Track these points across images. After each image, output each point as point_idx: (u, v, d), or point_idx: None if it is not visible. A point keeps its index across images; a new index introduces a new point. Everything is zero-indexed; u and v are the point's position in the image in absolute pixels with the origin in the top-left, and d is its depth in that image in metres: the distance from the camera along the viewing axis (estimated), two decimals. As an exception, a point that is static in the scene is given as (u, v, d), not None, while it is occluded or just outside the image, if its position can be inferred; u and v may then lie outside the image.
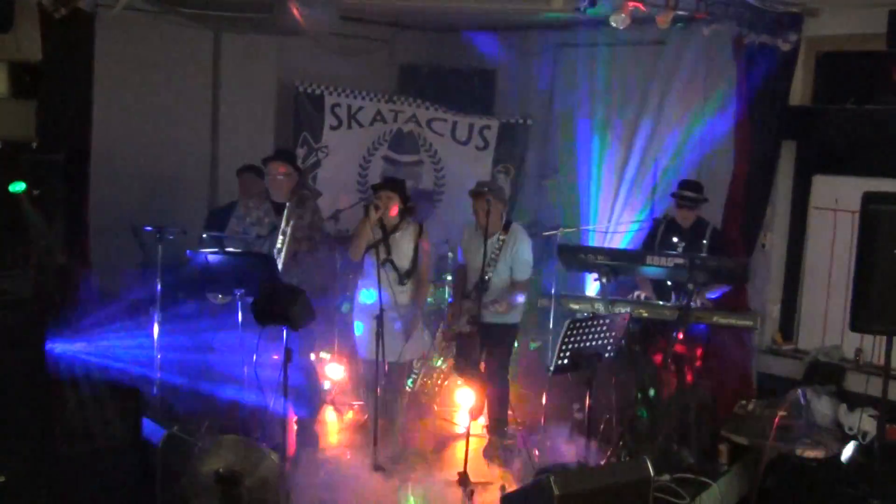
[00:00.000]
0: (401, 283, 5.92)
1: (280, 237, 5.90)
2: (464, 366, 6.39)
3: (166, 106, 7.53)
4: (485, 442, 6.27)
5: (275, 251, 5.89)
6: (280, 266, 5.82)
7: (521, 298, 6.15)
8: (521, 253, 6.11)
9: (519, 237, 6.15)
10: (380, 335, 5.59)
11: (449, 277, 7.09)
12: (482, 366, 6.15)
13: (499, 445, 6.19)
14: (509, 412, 6.35)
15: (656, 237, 6.49)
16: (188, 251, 5.82)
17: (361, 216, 6.03)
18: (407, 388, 6.59)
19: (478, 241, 6.12)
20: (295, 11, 6.16)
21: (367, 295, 6.05)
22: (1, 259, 4.74)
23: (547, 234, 7.00)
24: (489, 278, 6.07)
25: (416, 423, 6.51)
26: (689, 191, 6.37)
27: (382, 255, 5.83)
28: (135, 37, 7.12)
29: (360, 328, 6.13)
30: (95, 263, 6.35)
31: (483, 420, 6.43)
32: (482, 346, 6.09)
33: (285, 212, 5.93)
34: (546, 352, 6.80)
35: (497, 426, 6.25)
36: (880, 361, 5.61)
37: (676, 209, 6.42)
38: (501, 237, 6.08)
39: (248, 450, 4.76)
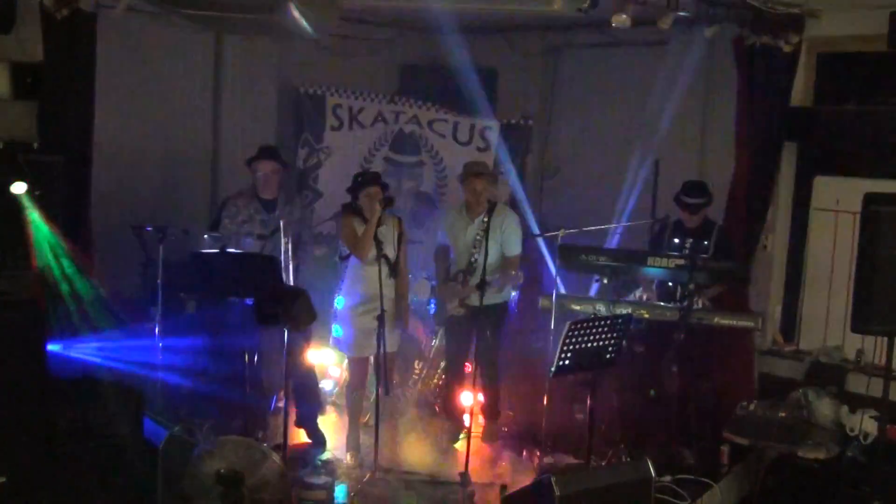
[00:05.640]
0: (391, 276, 5.90)
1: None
2: (454, 357, 6.41)
3: (168, 107, 7.52)
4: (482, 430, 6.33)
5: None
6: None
7: (518, 279, 6.16)
8: (509, 229, 6.11)
9: (505, 214, 6.16)
10: (380, 336, 5.58)
11: None
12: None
13: (496, 429, 6.28)
14: (509, 412, 6.35)
15: (664, 238, 6.45)
16: (190, 251, 5.82)
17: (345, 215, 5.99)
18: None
19: (463, 224, 6.13)
20: (295, 13, 6.15)
21: (339, 301, 6.08)
22: (1, 259, 4.74)
23: (548, 234, 6.98)
24: (476, 260, 6.07)
25: (417, 422, 6.51)
26: (694, 193, 6.27)
27: (374, 251, 5.80)
28: (136, 38, 7.10)
29: (338, 330, 6.13)
30: (97, 263, 6.35)
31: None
32: (474, 328, 6.09)
33: (277, 215, 5.94)
34: (547, 353, 6.79)
35: (491, 411, 6.33)
36: (881, 362, 5.61)
37: (681, 212, 6.35)
38: (485, 218, 6.07)
39: (250, 450, 4.76)
